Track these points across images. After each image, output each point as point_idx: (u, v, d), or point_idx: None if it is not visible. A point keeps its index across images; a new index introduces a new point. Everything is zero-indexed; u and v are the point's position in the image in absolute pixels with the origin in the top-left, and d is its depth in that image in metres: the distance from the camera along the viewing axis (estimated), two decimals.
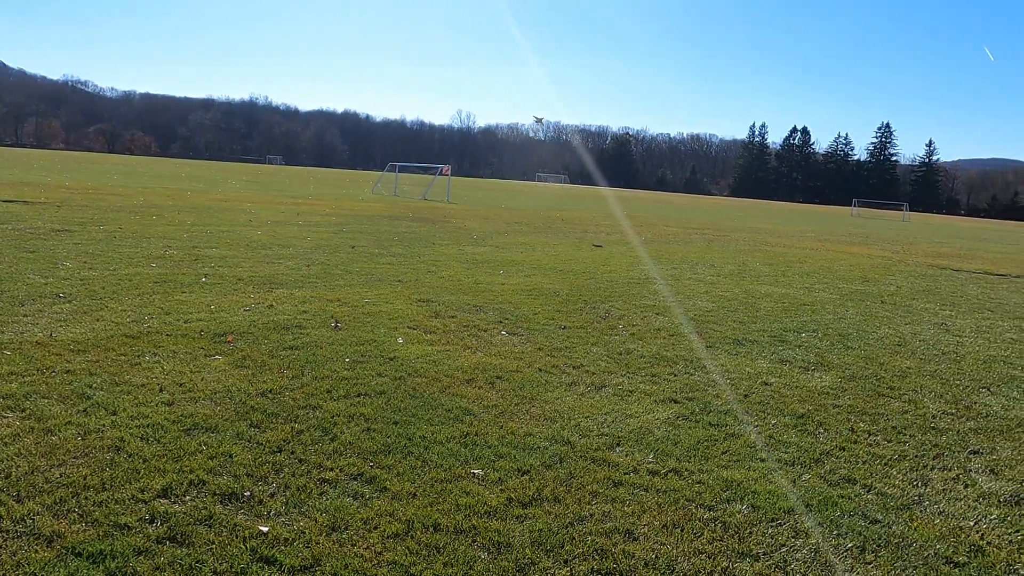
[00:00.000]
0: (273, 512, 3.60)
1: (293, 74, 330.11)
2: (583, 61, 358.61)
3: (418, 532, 3.51)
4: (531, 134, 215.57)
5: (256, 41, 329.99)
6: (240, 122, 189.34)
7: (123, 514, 3.46)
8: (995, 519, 4.13)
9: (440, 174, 45.15)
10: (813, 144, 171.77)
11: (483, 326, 7.96)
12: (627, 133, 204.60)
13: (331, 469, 4.11)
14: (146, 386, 5.23)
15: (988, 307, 12.34)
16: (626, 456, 4.62)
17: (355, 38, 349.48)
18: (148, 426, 4.51)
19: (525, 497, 3.94)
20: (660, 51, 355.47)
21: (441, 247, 15.54)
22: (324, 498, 3.77)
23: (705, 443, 4.94)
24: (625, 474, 4.34)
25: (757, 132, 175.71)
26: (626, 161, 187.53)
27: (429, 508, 3.74)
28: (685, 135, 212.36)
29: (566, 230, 23.19)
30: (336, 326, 7.42)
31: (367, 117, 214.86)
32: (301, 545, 3.33)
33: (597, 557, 3.41)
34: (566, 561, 3.36)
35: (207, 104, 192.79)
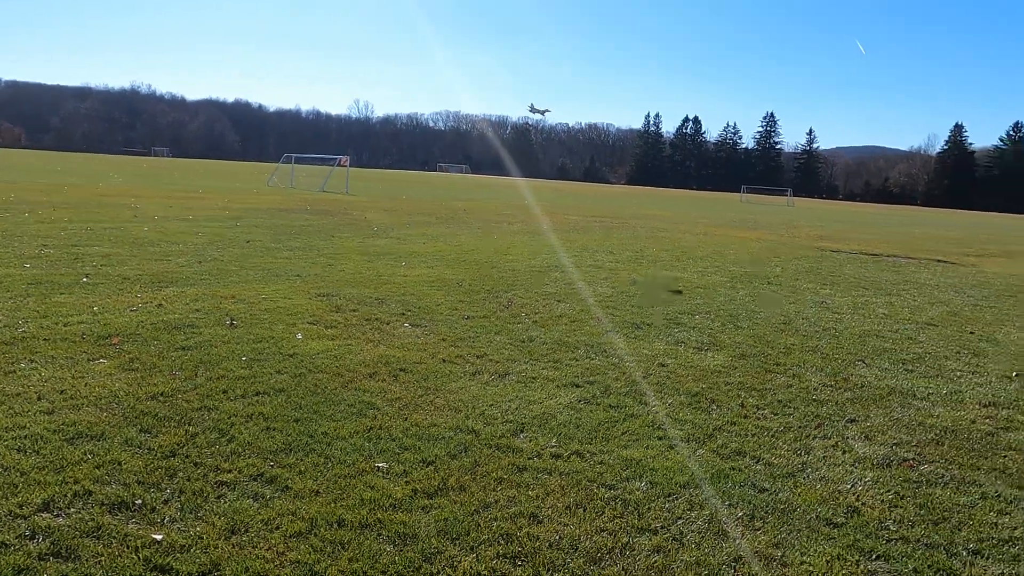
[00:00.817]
0: (167, 519, 3.46)
1: (178, 62, 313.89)
2: (481, 49, 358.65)
3: (322, 529, 3.46)
4: (430, 124, 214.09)
5: (135, 27, 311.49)
6: (121, 112, 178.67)
7: (0, 532, 3.24)
8: (869, 481, 4.46)
9: (338, 165, 44.15)
10: (704, 133, 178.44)
11: (385, 319, 7.88)
12: (527, 123, 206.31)
13: (229, 471, 3.98)
14: (22, 395, 4.90)
15: (863, 285, 13.24)
16: (530, 441, 4.70)
17: (245, 25, 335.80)
18: (26, 437, 4.23)
19: (430, 488, 3.95)
20: (557, 41, 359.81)
21: (341, 240, 15.25)
22: (222, 501, 3.66)
23: (606, 425, 5.08)
24: (529, 459, 4.42)
25: (652, 122, 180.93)
26: (527, 150, 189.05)
27: (333, 505, 3.70)
28: (583, 124, 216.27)
29: (469, 220, 23.21)
30: (231, 324, 7.17)
31: (260, 107, 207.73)
32: (198, 551, 3.22)
33: (503, 542, 3.46)
34: (472, 548, 3.40)
35: (83, 92, 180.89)
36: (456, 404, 5.31)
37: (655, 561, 3.39)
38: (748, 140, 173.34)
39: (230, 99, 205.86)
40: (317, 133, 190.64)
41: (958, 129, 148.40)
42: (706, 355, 7.23)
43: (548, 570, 3.26)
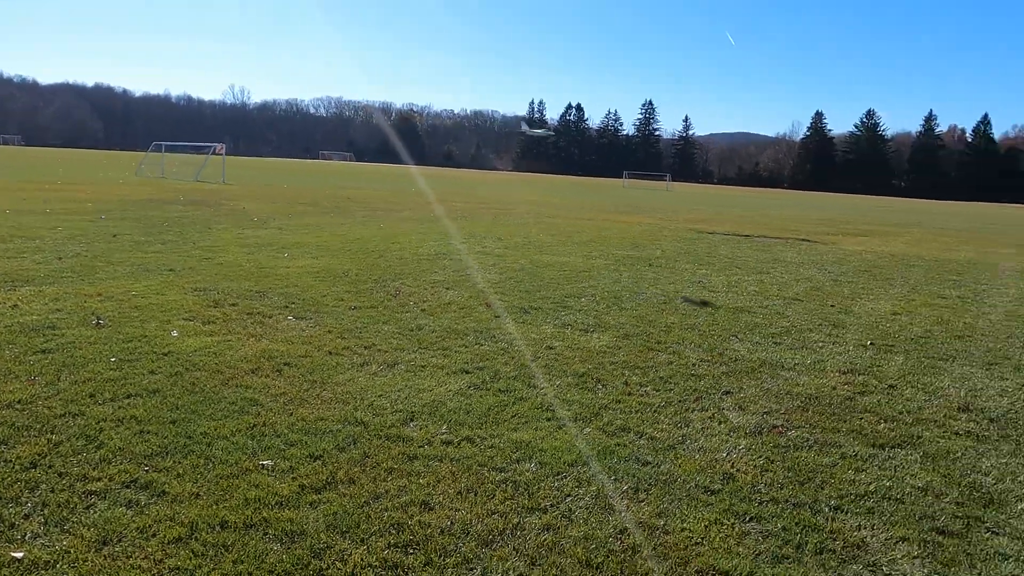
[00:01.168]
0: (29, 535, 3.22)
1: (26, 42, 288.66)
2: (365, 34, 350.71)
3: (203, 533, 3.32)
4: (311, 110, 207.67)
5: None
6: None
7: None
8: (743, 449, 4.73)
9: (214, 153, 42.16)
10: (587, 120, 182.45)
11: (267, 312, 7.62)
12: (412, 110, 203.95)
13: (98, 479, 3.75)
14: None
15: (736, 264, 13.97)
16: (420, 430, 4.69)
17: (102, 6, 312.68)
18: None
19: (318, 482, 3.87)
20: (442, 26, 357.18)
21: (218, 231, 14.58)
22: (92, 511, 3.44)
23: (496, 409, 5.14)
24: (420, 447, 4.40)
25: (536, 108, 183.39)
26: (412, 138, 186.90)
27: (215, 506, 3.55)
28: (469, 111, 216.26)
29: (354, 209, 22.74)
30: (98, 323, 6.72)
31: (124, 92, 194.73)
32: (66, 566, 3.02)
33: (394, 532, 3.44)
34: (363, 540, 3.36)
35: None
36: (344, 396, 5.22)
37: (545, 539, 3.47)
38: (629, 127, 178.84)
39: (89, 83, 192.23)
40: (189, 119, 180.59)
41: (818, 116, 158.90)
42: (592, 336, 7.43)
43: (440, 556, 3.27)
